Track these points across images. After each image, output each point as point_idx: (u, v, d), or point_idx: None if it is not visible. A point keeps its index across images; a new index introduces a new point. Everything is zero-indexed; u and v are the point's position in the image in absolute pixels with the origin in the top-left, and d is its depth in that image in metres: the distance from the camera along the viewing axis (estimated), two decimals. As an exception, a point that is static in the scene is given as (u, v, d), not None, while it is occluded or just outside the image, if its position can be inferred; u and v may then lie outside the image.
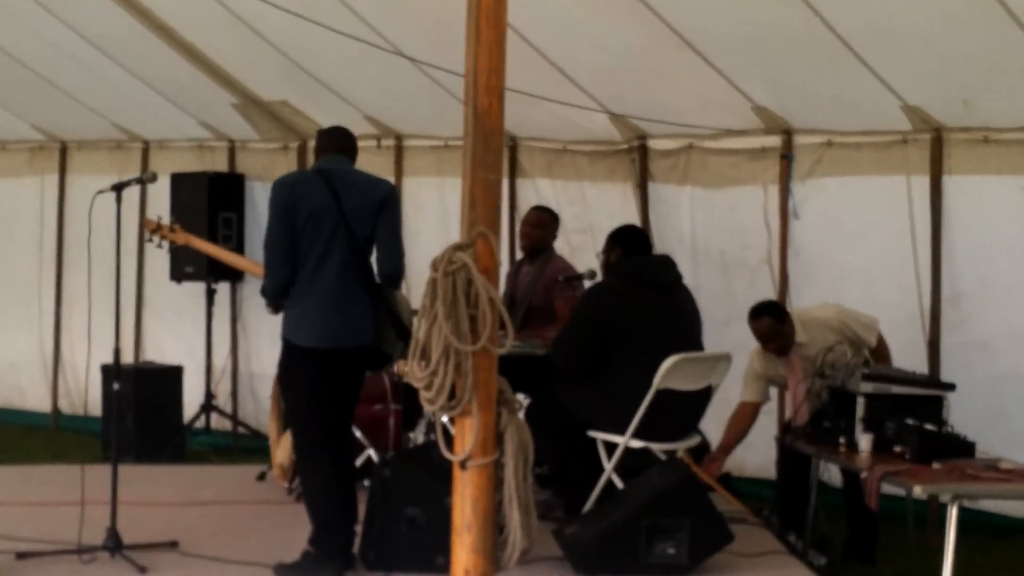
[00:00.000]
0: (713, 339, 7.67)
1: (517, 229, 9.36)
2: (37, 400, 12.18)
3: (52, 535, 6.47)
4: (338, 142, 6.40)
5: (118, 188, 6.53)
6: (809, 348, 7.35)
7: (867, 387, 6.58)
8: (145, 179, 6.84)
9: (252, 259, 8.23)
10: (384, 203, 6.24)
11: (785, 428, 7.68)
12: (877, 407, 6.53)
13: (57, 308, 11.98)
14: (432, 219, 10.10)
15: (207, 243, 7.96)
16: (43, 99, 10.97)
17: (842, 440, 6.68)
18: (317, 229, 6.06)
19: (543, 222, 8.68)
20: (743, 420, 7.62)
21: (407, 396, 7.99)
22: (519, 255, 9.28)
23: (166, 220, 7.55)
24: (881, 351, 7.48)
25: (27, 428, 11.87)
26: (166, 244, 7.61)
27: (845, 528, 7.35)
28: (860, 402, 6.58)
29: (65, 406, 12.01)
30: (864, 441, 6.48)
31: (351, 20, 8.29)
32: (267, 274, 6.16)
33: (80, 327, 11.00)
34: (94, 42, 9.74)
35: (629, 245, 7.35)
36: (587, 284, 8.00)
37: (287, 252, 6.08)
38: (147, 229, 7.55)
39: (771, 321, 7.42)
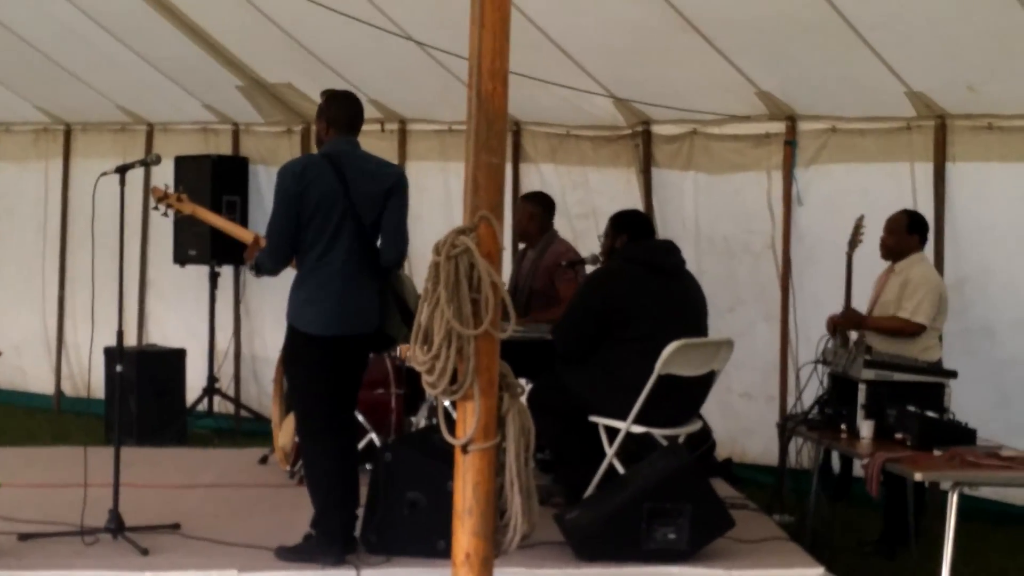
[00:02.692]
0: (716, 325, 7.66)
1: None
2: (40, 382, 12.21)
3: (54, 517, 6.47)
4: (347, 116, 6.23)
5: (122, 170, 6.50)
6: (895, 278, 7.37)
7: (869, 374, 6.58)
8: (149, 161, 6.83)
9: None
10: (392, 190, 6.16)
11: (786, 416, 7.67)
12: (878, 394, 6.54)
13: (60, 290, 12.01)
14: (436, 204, 10.09)
15: (212, 213, 7.94)
16: (48, 80, 10.97)
17: (843, 427, 6.67)
18: (325, 216, 6.00)
19: (532, 215, 8.57)
20: None
21: (409, 380, 7.99)
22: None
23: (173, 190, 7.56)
24: (887, 323, 7.29)
25: (30, 410, 11.89)
26: (172, 213, 7.62)
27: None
28: (862, 389, 6.58)
29: (68, 388, 12.04)
30: (865, 428, 6.49)
31: (356, 2, 8.27)
32: (269, 256, 6.16)
33: (83, 309, 10.97)
34: (100, 22, 9.74)
35: (636, 231, 7.33)
36: (589, 269, 7.99)
37: (290, 239, 6.06)
38: (154, 197, 7.53)
39: (906, 220, 7.48)
